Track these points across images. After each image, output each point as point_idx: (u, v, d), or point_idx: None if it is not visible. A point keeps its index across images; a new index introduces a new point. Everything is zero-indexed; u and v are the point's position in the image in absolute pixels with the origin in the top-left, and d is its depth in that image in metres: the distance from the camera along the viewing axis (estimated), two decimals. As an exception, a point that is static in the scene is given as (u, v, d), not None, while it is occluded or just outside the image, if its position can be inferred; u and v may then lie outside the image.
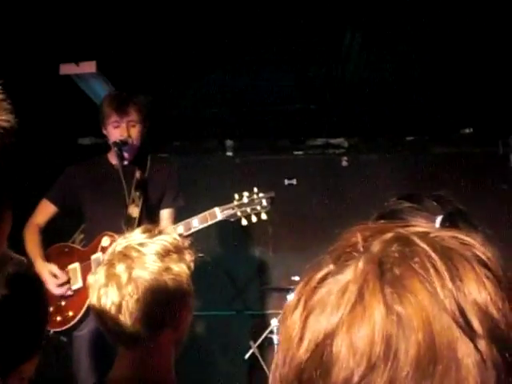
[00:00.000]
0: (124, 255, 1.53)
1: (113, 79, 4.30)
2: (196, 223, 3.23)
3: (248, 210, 3.21)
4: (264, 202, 3.23)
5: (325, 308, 0.60)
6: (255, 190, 3.25)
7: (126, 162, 3.46)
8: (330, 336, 0.58)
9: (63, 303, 3.44)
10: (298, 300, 0.64)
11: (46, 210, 3.66)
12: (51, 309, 3.43)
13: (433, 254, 0.59)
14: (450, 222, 1.23)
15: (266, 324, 4.76)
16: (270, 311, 5.30)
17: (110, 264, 1.53)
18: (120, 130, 3.44)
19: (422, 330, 0.55)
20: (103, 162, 3.62)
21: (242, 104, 4.95)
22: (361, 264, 0.61)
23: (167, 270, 1.54)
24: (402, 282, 0.58)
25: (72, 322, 3.38)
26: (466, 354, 0.54)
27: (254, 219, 3.23)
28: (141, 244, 1.55)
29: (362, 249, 0.63)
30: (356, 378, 0.55)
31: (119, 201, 3.32)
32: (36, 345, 1.14)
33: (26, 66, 3.98)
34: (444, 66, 4.20)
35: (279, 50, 3.99)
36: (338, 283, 0.61)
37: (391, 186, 4.96)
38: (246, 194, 3.23)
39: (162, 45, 3.88)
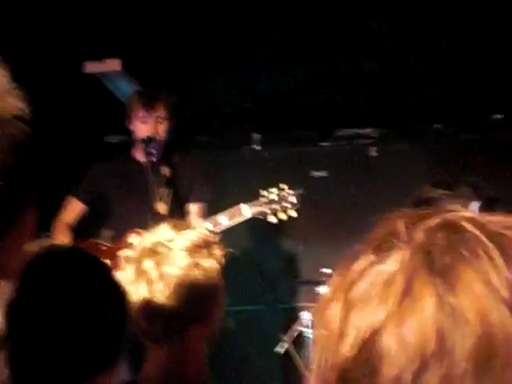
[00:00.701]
0: (152, 251, 1.52)
1: (138, 77, 4.31)
2: (224, 220, 3.21)
3: (277, 206, 3.16)
4: (292, 199, 3.18)
5: (369, 301, 0.56)
6: (284, 186, 3.19)
7: (153, 159, 3.45)
8: (377, 331, 0.54)
9: None
10: (336, 293, 0.60)
11: (73, 208, 3.67)
12: None
13: (485, 241, 0.55)
14: (487, 209, 1.20)
15: (296, 317, 4.73)
16: (300, 304, 5.28)
17: (139, 260, 1.52)
18: (147, 125, 3.44)
19: (479, 322, 0.51)
20: (128, 159, 3.63)
21: (268, 97, 4.93)
22: (407, 253, 0.57)
23: (197, 265, 1.52)
24: (453, 272, 0.54)
25: None
26: None
27: (282, 216, 3.17)
28: (169, 240, 1.53)
29: (405, 237, 0.59)
30: (409, 376, 0.51)
31: (146, 198, 3.30)
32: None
33: (52, 65, 4.01)
34: (473, 52, 4.13)
35: (304, 39, 3.95)
36: (382, 274, 0.57)
37: (422, 175, 4.89)
38: (274, 190, 3.18)
39: (186, 41, 3.88)
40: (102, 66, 3.96)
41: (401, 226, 0.60)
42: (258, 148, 5.71)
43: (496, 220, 0.59)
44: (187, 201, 3.55)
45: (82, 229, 3.77)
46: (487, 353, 0.50)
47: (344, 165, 5.57)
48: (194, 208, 3.54)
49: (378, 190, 5.22)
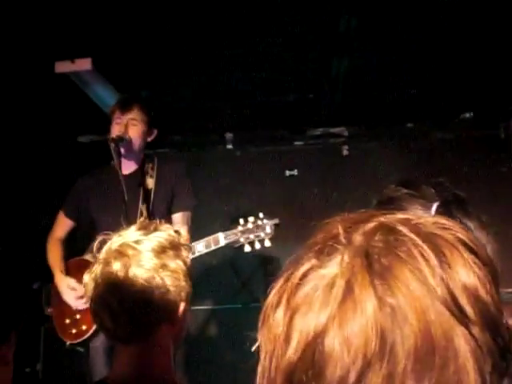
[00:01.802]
0: (120, 253, 1.53)
1: (109, 76, 4.29)
2: (200, 248, 3.25)
3: (251, 236, 3.22)
4: (268, 229, 3.24)
5: (312, 305, 0.58)
6: (260, 215, 3.25)
7: (124, 156, 3.45)
8: (320, 334, 0.56)
9: (78, 317, 3.51)
10: (280, 298, 0.62)
11: (63, 224, 3.74)
12: (67, 321, 3.55)
13: (419, 242, 0.57)
14: (444, 210, 1.23)
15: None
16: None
17: (106, 262, 1.53)
18: (119, 126, 3.44)
19: (417, 320, 0.53)
20: (111, 171, 3.59)
21: (241, 96, 4.93)
22: (346, 256, 0.58)
23: (163, 266, 1.53)
24: (391, 273, 0.56)
25: (85, 336, 3.46)
26: (463, 341, 0.53)
27: (257, 246, 3.24)
28: (136, 241, 1.55)
29: (344, 240, 0.61)
30: (353, 376, 0.53)
31: (124, 212, 3.29)
32: (11, 326, 1.13)
33: (23, 65, 3.97)
34: (443, 51, 4.17)
35: (275, 40, 3.96)
36: (324, 278, 0.58)
37: (393, 174, 4.93)
38: (250, 219, 3.23)
39: (157, 40, 3.87)
40: (73, 66, 3.93)
41: (340, 229, 0.62)
42: (231, 147, 5.71)
43: (430, 221, 0.61)
44: (169, 211, 3.54)
45: (75, 242, 3.83)
46: (427, 350, 0.52)
47: (316, 163, 5.60)
48: (176, 217, 3.54)
49: (350, 188, 5.25)
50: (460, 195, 1.36)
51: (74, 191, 3.73)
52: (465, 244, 0.59)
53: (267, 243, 3.22)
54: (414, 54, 4.22)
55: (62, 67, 3.97)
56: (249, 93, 4.86)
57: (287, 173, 5.57)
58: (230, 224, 3.30)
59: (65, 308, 3.53)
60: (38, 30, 3.58)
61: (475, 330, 0.54)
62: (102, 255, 1.56)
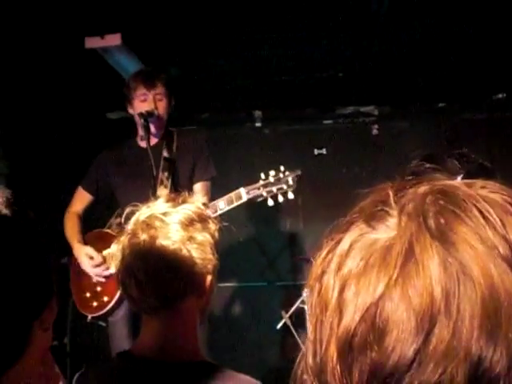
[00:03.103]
0: (147, 225, 1.53)
1: (139, 52, 4.29)
2: (222, 205, 3.21)
3: (274, 189, 3.15)
4: (290, 181, 3.16)
5: (369, 269, 0.56)
6: (281, 168, 3.18)
7: (153, 132, 3.45)
8: (382, 296, 0.55)
9: (99, 289, 3.49)
10: (328, 265, 0.61)
11: (82, 198, 3.74)
12: (88, 295, 3.52)
13: (478, 199, 0.57)
14: (470, 178, 1.20)
15: (297, 294, 4.76)
16: (301, 282, 5.30)
17: (134, 234, 1.53)
18: (147, 102, 3.43)
19: (482, 277, 0.52)
20: (132, 145, 3.61)
21: (270, 74, 4.91)
22: (403, 218, 0.58)
23: (190, 239, 1.53)
24: (451, 231, 0.55)
25: (107, 307, 3.43)
26: None
27: (280, 199, 3.17)
28: (164, 213, 1.55)
29: (395, 205, 0.60)
30: (419, 337, 0.52)
31: (148, 183, 3.30)
32: (49, 288, 1.14)
33: (53, 41, 3.99)
34: (475, 31, 4.09)
35: (306, 18, 3.92)
36: (378, 242, 0.58)
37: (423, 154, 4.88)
38: (271, 173, 3.16)
39: (187, 17, 3.85)
40: (103, 41, 3.93)
41: (390, 194, 0.61)
42: (259, 125, 5.70)
43: (479, 184, 0.60)
44: (191, 181, 3.55)
45: (93, 217, 3.84)
46: (493, 307, 0.52)
47: (345, 142, 5.56)
48: (197, 186, 3.54)
49: (378, 168, 5.21)
50: (485, 165, 1.32)
51: (94, 166, 3.74)
52: None
53: (290, 195, 3.16)
54: (447, 33, 4.15)
55: (92, 43, 3.98)
56: (278, 71, 4.84)
57: (316, 151, 5.54)
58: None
59: (84, 281, 3.54)
60: (68, 5, 3.58)
61: None
62: (129, 226, 1.57)
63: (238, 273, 5.25)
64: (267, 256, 5.54)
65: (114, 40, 3.95)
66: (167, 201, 1.60)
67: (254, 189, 3.17)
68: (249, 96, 5.31)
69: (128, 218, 1.59)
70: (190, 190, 3.47)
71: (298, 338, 4.65)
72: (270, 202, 3.18)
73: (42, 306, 1.10)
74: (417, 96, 5.38)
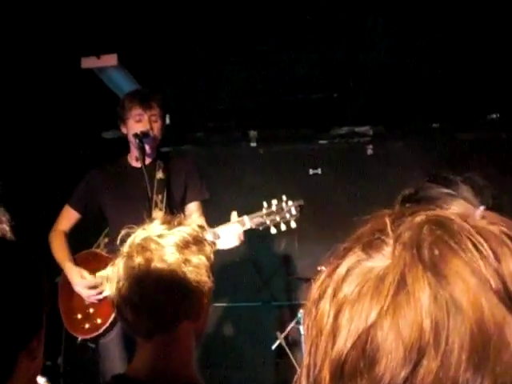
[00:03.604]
0: (142, 247, 1.52)
1: (134, 72, 4.30)
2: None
3: (277, 218, 3.18)
4: (293, 210, 3.20)
5: (361, 297, 0.57)
6: (284, 197, 3.21)
7: (147, 153, 3.45)
8: (373, 325, 0.55)
9: (91, 310, 3.45)
10: (324, 290, 0.62)
11: (69, 217, 3.69)
12: (79, 316, 3.47)
13: (473, 233, 0.57)
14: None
15: (292, 314, 4.74)
16: (296, 302, 5.29)
17: (129, 256, 1.52)
18: (142, 123, 3.43)
19: (473, 311, 0.53)
20: (123, 164, 3.59)
21: (265, 94, 4.93)
22: (397, 248, 0.58)
23: (186, 261, 1.52)
24: (444, 264, 0.55)
25: (100, 330, 3.39)
26: None
27: (283, 227, 3.20)
28: (160, 236, 1.54)
29: (392, 233, 0.60)
30: (407, 367, 0.53)
31: (141, 204, 3.29)
32: (39, 319, 1.12)
33: (49, 61, 4.01)
34: (470, 51, 4.13)
35: (300, 37, 3.95)
36: (373, 271, 0.58)
37: (417, 173, 4.89)
38: (274, 201, 3.19)
39: (183, 37, 3.88)
40: (99, 61, 3.95)
41: (387, 222, 0.61)
42: (254, 145, 5.71)
43: (478, 215, 0.61)
44: (183, 202, 3.54)
45: (80, 236, 3.80)
46: (482, 340, 0.52)
47: (340, 162, 5.58)
48: (191, 207, 3.53)
49: (373, 188, 5.22)
50: (494, 193, 1.33)
51: (83, 184, 3.70)
52: (511, 238, 0.58)
53: (293, 224, 3.19)
54: (441, 53, 4.19)
55: (88, 63, 4.00)
56: (273, 91, 4.86)
57: (311, 171, 5.56)
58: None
59: (75, 303, 3.50)
60: (64, 25, 3.60)
61: None
62: (125, 249, 1.56)
63: (233, 292, 5.23)
64: (262, 276, 5.53)
65: (110, 60, 3.98)
66: (163, 223, 1.59)
67: (258, 217, 3.19)
68: (244, 116, 5.33)
69: (123, 241, 1.59)
70: (183, 211, 3.45)
71: (292, 359, 4.62)
72: (273, 231, 3.21)
73: (29, 336, 1.09)
74: (411, 116, 5.41)
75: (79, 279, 3.43)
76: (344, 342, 0.57)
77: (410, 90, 4.85)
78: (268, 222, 3.18)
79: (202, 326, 1.65)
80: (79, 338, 3.46)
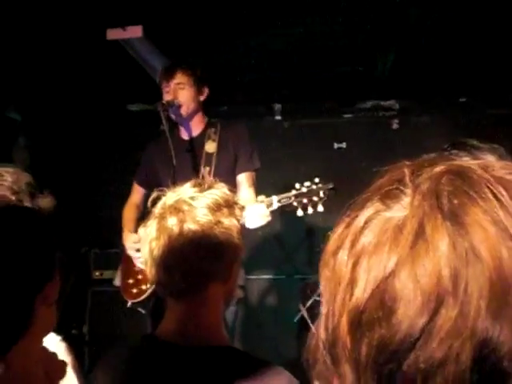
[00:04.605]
0: (175, 208, 1.53)
1: (160, 44, 4.30)
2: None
3: (304, 200, 3.15)
4: (321, 194, 3.17)
5: (380, 246, 0.57)
6: (316, 179, 3.19)
7: (177, 121, 3.48)
8: (391, 274, 0.55)
9: (140, 277, 3.53)
10: (342, 241, 0.61)
11: (137, 191, 3.84)
12: (130, 281, 3.59)
13: (492, 181, 0.57)
14: None
15: (315, 288, 4.75)
16: (318, 275, 5.29)
17: (162, 217, 1.54)
18: (168, 93, 3.46)
19: (491, 259, 0.53)
20: (175, 138, 3.56)
21: (290, 67, 4.89)
22: (416, 198, 0.58)
23: (218, 223, 1.53)
24: (463, 212, 0.55)
25: (144, 295, 3.48)
26: None
27: (310, 210, 3.17)
28: (191, 197, 1.55)
29: (410, 183, 0.60)
30: (425, 315, 0.53)
31: (190, 175, 3.31)
32: (52, 264, 1.15)
33: (75, 32, 4.01)
34: (497, 27, 4.05)
35: (326, 10, 3.90)
36: (392, 220, 0.58)
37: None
38: (306, 183, 3.16)
39: (208, 8, 3.85)
40: (124, 33, 3.95)
41: (406, 173, 0.61)
42: (279, 118, 5.69)
43: (498, 165, 0.60)
44: (233, 173, 3.54)
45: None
46: (501, 288, 0.52)
47: (365, 137, 5.54)
48: (242, 177, 3.54)
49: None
50: None
51: (142, 158, 3.81)
52: None
53: (320, 208, 3.17)
54: (470, 27, 4.11)
55: (114, 34, 3.99)
56: (298, 64, 4.82)
57: (335, 145, 5.53)
58: (276, 195, 3.25)
59: (129, 268, 3.60)
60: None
61: None
62: (157, 210, 1.58)
63: (256, 266, 5.26)
64: (285, 249, 5.54)
65: (135, 32, 3.97)
66: (194, 186, 1.61)
67: (286, 198, 3.17)
68: (268, 89, 5.31)
69: (155, 202, 1.60)
70: (233, 183, 3.46)
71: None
72: (300, 213, 3.18)
73: (43, 279, 1.12)
74: (438, 90, 5.34)
75: (131, 244, 3.52)
76: (362, 291, 0.57)
77: (437, 63, 4.78)
78: (295, 204, 3.15)
79: (232, 288, 1.67)
80: (129, 302, 3.55)
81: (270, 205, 3.17)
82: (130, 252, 3.53)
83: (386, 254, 0.56)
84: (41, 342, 1.17)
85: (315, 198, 3.16)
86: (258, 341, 5.19)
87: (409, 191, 0.59)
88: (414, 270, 0.54)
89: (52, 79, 4.79)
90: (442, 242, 0.54)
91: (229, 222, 1.56)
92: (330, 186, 3.20)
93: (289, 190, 3.18)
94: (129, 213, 3.75)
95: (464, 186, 0.57)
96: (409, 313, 0.54)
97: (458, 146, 1.37)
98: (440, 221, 0.55)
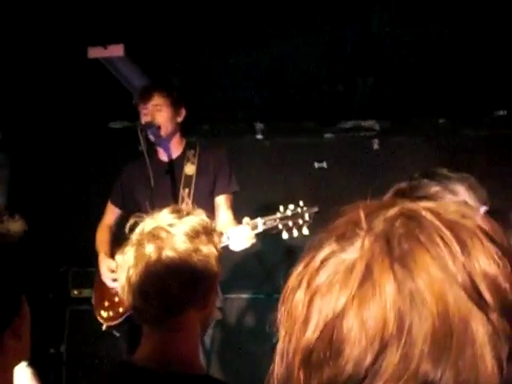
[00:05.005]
0: (153, 235, 1.53)
1: (141, 62, 4.30)
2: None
3: (290, 223, 3.16)
4: (307, 217, 3.18)
5: (331, 287, 0.59)
6: (301, 203, 3.20)
7: (155, 144, 3.48)
8: (339, 315, 0.57)
9: (116, 299, 3.52)
10: (300, 281, 0.63)
11: (111, 212, 3.83)
12: (106, 304, 3.57)
13: (441, 227, 0.58)
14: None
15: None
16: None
17: (139, 244, 1.54)
18: (146, 115, 3.47)
19: (436, 304, 0.54)
20: (153, 160, 3.56)
21: (272, 86, 4.92)
22: (367, 241, 0.59)
23: (196, 251, 1.54)
24: (411, 257, 0.56)
25: (120, 319, 3.47)
26: (480, 327, 0.53)
27: (295, 233, 3.17)
28: (170, 224, 1.55)
29: (365, 225, 0.62)
30: (370, 357, 0.54)
31: (169, 199, 3.32)
32: (18, 297, 1.13)
33: (56, 51, 4.01)
34: (477, 47, 4.11)
35: (307, 30, 3.94)
36: (344, 262, 0.60)
37: (422, 169, 4.88)
38: (290, 206, 3.18)
39: (189, 28, 3.87)
40: (106, 52, 3.95)
41: (361, 215, 0.63)
42: (260, 137, 5.71)
43: (452, 209, 0.61)
44: (211, 195, 3.55)
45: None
46: (445, 333, 0.53)
47: (346, 156, 5.56)
48: (220, 199, 3.54)
49: (378, 182, 5.20)
50: (496, 208, 1.33)
51: (118, 179, 3.81)
52: (486, 233, 0.59)
53: (305, 231, 3.17)
54: (448, 49, 4.17)
55: (95, 53, 3.99)
56: (280, 84, 4.85)
57: (316, 165, 5.55)
58: (256, 214, 3.25)
59: (105, 291, 3.58)
60: (70, 15, 3.60)
61: (493, 316, 0.54)
62: (134, 236, 1.57)
63: (236, 285, 5.24)
64: (265, 268, 5.53)
65: (116, 50, 3.97)
66: (172, 212, 1.60)
67: (271, 220, 3.17)
68: (250, 108, 5.32)
69: (132, 229, 1.60)
70: (211, 205, 3.48)
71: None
72: (285, 236, 3.18)
73: (11, 313, 1.10)
74: (417, 111, 5.39)
75: (106, 271, 3.52)
76: (313, 331, 0.58)
77: (417, 84, 4.83)
78: (280, 227, 3.16)
79: (209, 315, 1.66)
80: (104, 326, 3.52)
81: (255, 227, 3.17)
82: (107, 281, 3.53)
83: (336, 294, 0.58)
84: (11, 373, 1.15)
85: (300, 221, 3.17)
86: (237, 361, 5.16)
87: (362, 233, 0.61)
88: (360, 312, 0.56)
89: (33, 97, 4.76)
90: (388, 285, 0.55)
91: (207, 250, 1.56)
92: (316, 210, 3.21)
93: (272, 211, 3.18)
94: (102, 235, 3.74)
95: (416, 230, 0.58)
96: (354, 354, 0.55)
97: (429, 175, 1.39)
98: (387, 264, 0.56)
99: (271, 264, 5.54)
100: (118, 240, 3.66)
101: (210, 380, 1.57)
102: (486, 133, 5.45)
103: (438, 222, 0.58)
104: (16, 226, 1.24)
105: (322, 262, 0.62)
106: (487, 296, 0.54)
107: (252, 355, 5.21)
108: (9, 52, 3.95)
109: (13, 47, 3.91)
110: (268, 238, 5.48)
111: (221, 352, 5.03)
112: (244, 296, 5.40)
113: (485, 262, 0.56)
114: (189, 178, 3.52)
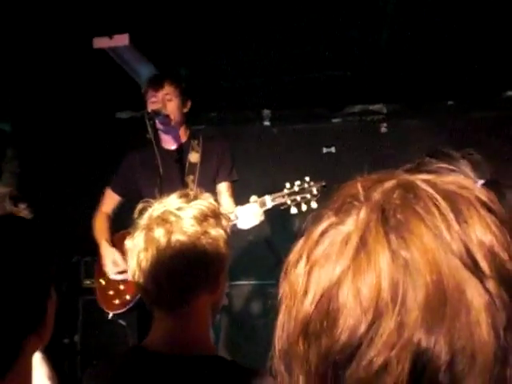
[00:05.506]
0: (162, 219, 1.54)
1: (147, 52, 4.30)
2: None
3: (298, 198, 3.20)
4: (314, 191, 3.21)
5: (328, 258, 0.59)
6: (306, 178, 3.22)
7: (162, 130, 3.53)
8: (335, 285, 0.57)
9: (122, 287, 3.55)
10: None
11: (110, 199, 3.82)
12: (111, 292, 3.58)
13: (437, 197, 0.58)
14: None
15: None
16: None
17: (149, 228, 1.54)
18: (156, 103, 3.48)
19: (430, 272, 0.54)
20: (159, 147, 3.57)
21: (279, 72, 4.91)
22: (363, 212, 0.60)
23: (205, 234, 1.54)
24: (406, 227, 0.57)
25: (128, 306, 3.50)
26: (476, 295, 0.53)
27: (303, 208, 3.20)
28: (178, 208, 1.56)
29: (362, 198, 0.62)
30: (363, 326, 0.55)
31: (173, 187, 3.32)
32: (42, 307, 1.15)
33: (61, 41, 4.01)
34: (484, 28, 4.08)
35: (314, 16, 3.92)
36: (341, 233, 0.60)
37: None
38: (297, 182, 3.21)
39: (195, 16, 3.86)
40: (111, 41, 3.95)
41: (359, 188, 0.63)
42: (268, 124, 5.70)
43: (449, 180, 0.61)
44: (214, 183, 3.58)
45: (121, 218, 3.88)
46: (439, 301, 0.53)
47: (354, 141, 5.55)
48: (223, 186, 3.58)
49: (388, 166, 5.17)
50: (498, 182, 1.32)
51: (121, 167, 3.80)
52: (483, 203, 0.59)
53: (314, 205, 3.20)
54: (457, 30, 4.13)
55: (100, 43, 4.00)
56: (287, 69, 4.84)
57: (324, 150, 5.54)
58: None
59: (108, 279, 3.59)
60: (76, 5, 3.60)
61: (490, 285, 0.54)
62: (143, 221, 1.58)
63: (247, 271, 5.25)
64: (276, 254, 5.54)
65: (121, 40, 3.98)
66: (180, 197, 1.61)
67: (279, 196, 3.21)
68: (257, 95, 5.31)
69: (141, 214, 1.61)
70: (214, 192, 3.50)
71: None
72: (293, 210, 3.22)
73: (36, 322, 1.12)
74: (425, 94, 5.36)
75: (110, 263, 3.54)
76: (311, 302, 0.59)
77: (425, 67, 4.80)
78: (289, 202, 3.20)
79: (219, 298, 1.67)
80: (110, 314, 3.54)
81: (263, 204, 3.20)
82: (108, 269, 3.55)
83: (332, 265, 0.59)
84: (28, 375, 1.17)
85: (308, 196, 3.20)
86: (250, 347, 5.18)
87: (360, 205, 0.62)
88: (355, 282, 0.56)
89: (40, 88, 4.78)
90: (382, 255, 0.56)
91: (216, 233, 1.56)
92: (323, 184, 3.24)
93: (280, 189, 3.21)
94: (101, 223, 3.75)
95: (412, 200, 0.59)
96: (349, 323, 0.55)
97: (435, 154, 1.39)
98: (382, 234, 0.57)
99: (282, 250, 5.55)
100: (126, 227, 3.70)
101: (220, 360, 1.58)
102: (494, 114, 5.42)
103: (434, 193, 0.59)
104: (23, 215, 1.26)
105: (321, 234, 0.62)
106: (484, 265, 0.54)
107: (264, 340, 5.23)
108: (16, 44, 3.96)
109: (19, 39, 3.92)
110: (278, 224, 5.51)
111: (234, 337, 5.06)
112: (255, 282, 5.41)
113: (481, 231, 0.56)
114: (193, 165, 3.56)
